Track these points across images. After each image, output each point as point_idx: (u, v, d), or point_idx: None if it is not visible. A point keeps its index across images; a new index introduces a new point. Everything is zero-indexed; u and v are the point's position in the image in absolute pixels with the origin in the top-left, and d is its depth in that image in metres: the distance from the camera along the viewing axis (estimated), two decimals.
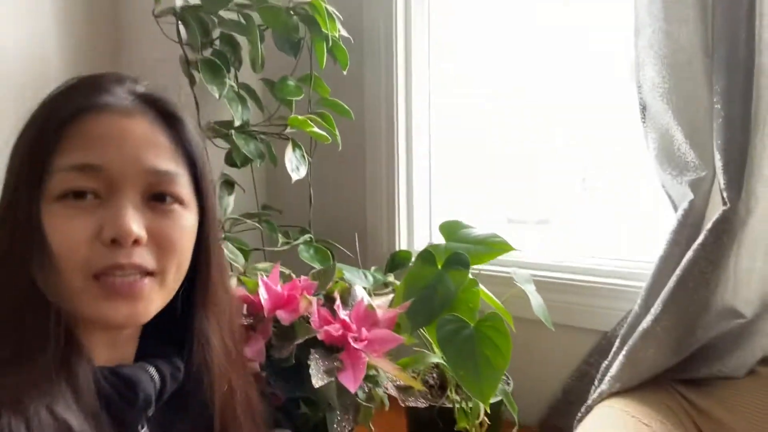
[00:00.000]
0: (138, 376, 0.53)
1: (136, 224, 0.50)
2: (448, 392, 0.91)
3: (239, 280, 0.84)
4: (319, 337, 0.77)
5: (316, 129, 1.04)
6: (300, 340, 0.74)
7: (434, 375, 1.01)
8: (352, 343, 0.75)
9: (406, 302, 0.84)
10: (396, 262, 1.29)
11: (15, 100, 1.24)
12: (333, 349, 0.78)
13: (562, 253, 1.16)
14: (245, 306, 0.83)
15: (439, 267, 0.90)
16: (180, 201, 0.55)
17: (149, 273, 0.52)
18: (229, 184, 1.15)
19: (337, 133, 1.19)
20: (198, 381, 0.59)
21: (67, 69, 1.32)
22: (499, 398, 0.94)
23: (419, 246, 1.35)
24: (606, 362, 0.97)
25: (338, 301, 0.81)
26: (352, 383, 0.71)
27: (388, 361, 0.77)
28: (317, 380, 0.70)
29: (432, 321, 0.84)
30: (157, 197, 0.53)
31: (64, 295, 0.49)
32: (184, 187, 0.55)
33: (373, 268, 1.24)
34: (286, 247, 1.17)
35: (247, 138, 1.06)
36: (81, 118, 0.52)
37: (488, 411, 0.75)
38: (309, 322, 0.78)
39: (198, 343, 0.59)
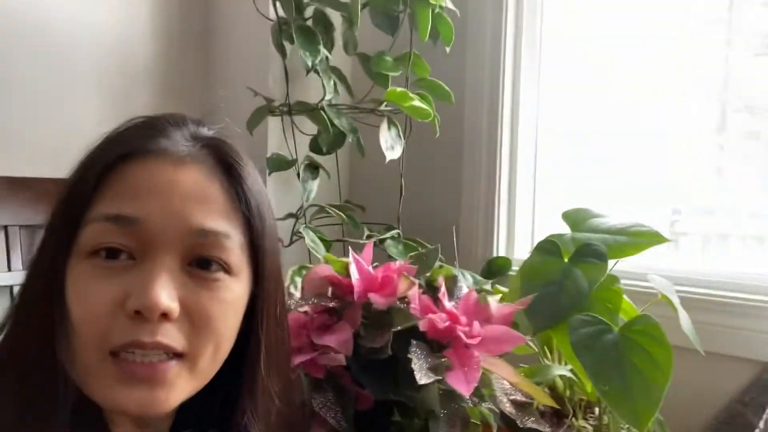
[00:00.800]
0: None
1: (166, 294, 0.42)
2: (573, 419, 0.72)
3: (325, 259, 0.70)
4: (421, 327, 0.61)
5: (416, 102, 0.91)
6: (398, 328, 0.59)
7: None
8: (464, 338, 0.59)
9: (524, 299, 0.68)
10: (493, 269, 1.12)
11: (104, 85, 1.21)
12: (435, 345, 0.63)
13: (707, 264, 0.95)
14: (330, 288, 0.70)
15: (566, 260, 0.73)
16: (227, 269, 0.46)
17: (177, 354, 0.43)
18: (313, 168, 1.04)
19: (436, 117, 1.06)
20: None
21: (157, 50, 1.28)
22: None
23: (520, 254, 1.18)
24: None
25: (443, 288, 0.65)
26: (464, 386, 0.55)
27: (509, 366, 0.60)
28: (422, 376, 0.54)
29: (559, 322, 0.67)
30: (201, 263, 0.45)
31: (79, 373, 0.42)
32: (234, 251, 0.46)
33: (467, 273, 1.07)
34: (371, 241, 1.03)
35: (338, 112, 0.94)
36: (127, 163, 0.45)
37: None
38: (408, 309, 0.63)
39: None
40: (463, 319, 0.63)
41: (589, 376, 0.59)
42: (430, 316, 0.61)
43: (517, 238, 1.18)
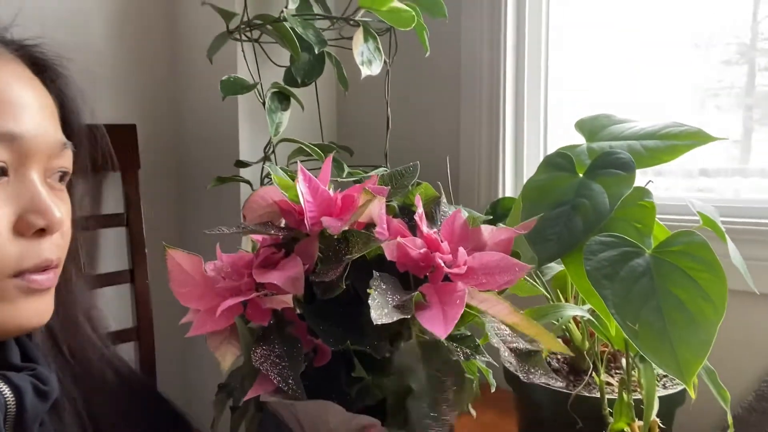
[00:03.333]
0: None
1: (56, 207, 0.43)
2: (593, 374, 0.57)
3: (276, 181, 0.56)
4: (388, 254, 0.47)
5: (396, 3, 0.75)
6: (356, 255, 0.45)
7: (560, 357, 0.67)
8: (445, 267, 0.45)
9: (527, 221, 0.52)
10: (499, 212, 0.97)
11: None
12: (411, 281, 0.48)
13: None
14: (282, 219, 0.55)
15: (580, 175, 0.57)
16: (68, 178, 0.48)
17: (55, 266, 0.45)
18: (283, 97, 0.89)
19: (426, 37, 0.90)
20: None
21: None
22: (675, 389, 0.59)
23: None
24: None
25: (420, 208, 0.50)
26: (440, 325, 0.41)
27: (506, 302, 0.45)
28: (380, 315, 0.39)
29: (572, 249, 0.52)
30: (58, 173, 0.46)
31: None
32: (70, 155, 0.47)
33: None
34: (353, 179, 0.89)
35: (304, 22, 0.79)
36: None
37: (692, 394, 0.41)
38: (372, 234, 0.48)
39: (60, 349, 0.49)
40: (445, 246, 0.48)
41: (612, 313, 0.44)
42: (399, 239, 0.46)
43: (527, 178, 1.02)
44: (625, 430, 0.53)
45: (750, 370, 0.75)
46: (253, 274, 0.50)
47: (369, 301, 0.41)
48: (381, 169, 0.93)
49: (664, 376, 0.62)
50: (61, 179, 0.46)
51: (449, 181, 0.93)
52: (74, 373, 0.48)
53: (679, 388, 0.59)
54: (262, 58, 0.96)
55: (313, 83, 0.96)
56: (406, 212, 0.54)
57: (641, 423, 0.53)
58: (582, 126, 0.63)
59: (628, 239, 0.48)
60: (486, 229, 0.51)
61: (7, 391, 0.39)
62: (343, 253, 0.47)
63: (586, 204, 0.54)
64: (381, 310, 0.40)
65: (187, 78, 1.08)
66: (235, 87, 0.80)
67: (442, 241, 0.48)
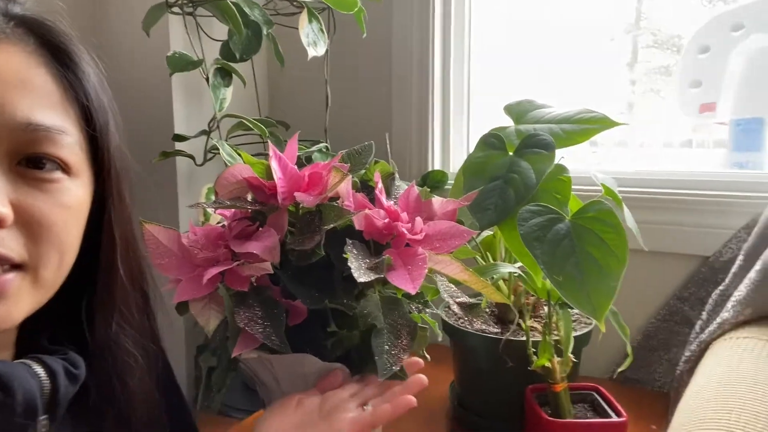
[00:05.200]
0: (13, 372, 0.40)
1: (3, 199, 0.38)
2: (520, 321, 0.68)
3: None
4: (357, 225, 0.53)
5: None
6: (331, 225, 0.51)
7: (488, 309, 0.78)
8: (408, 234, 0.52)
9: (468, 194, 0.61)
10: (429, 182, 1.06)
11: None
12: (374, 247, 0.55)
13: (647, 164, 0.93)
14: (249, 194, 0.60)
15: (510, 153, 0.67)
16: (66, 168, 0.42)
17: (16, 266, 0.40)
18: (225, 73, 0.91)
19: (363, 20, 0.95)
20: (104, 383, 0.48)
21: None
22: (584, 329, 0.72)
23: (457, 167, 1.12)
24: (719, 289, 0.75)
25: (380, 183, 0.58)
26: (409, 283, 0.48)
27: (454, 260, 0.54)
28: (361, 274, 0.46)
29: (506, 217, 0.61)
30: (32, 162, 0.40)
31: None
32: (72, 148, 0.42)
33: None
34: (295, 135, 0.94)
35: (251, 2, 0.82)
36: None
37: (602, 328, 0.52)
38: (341, 207, 0.55)
39: (101, 356, 0.47)
40: (404, 216, 0.55)
41: (542, 268, 0.54)
42: (367, 211, 0.53)
43: (453, 152, 1.12)
44: (546, 365, 0.64)
45: (640, 313, 0.91)
46: (230, 245, 0.54)
47: (348, 264, 0.48)
48: (321, 144, 0.99)
49: (574, 320, 0.74)
50: (46, 168, 0.40)
51: (389, 156, 1.01)
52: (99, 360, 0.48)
53: (587, 329, 0.71)
54: (195, 32, 0.97)
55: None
56: (365, 187, 0.61)
57: (560, 359, 0.64)
58: (510, 110, 0.72)
59: (552, 208, 0.58)
60: (436, 201, 0.59)
61: (42, 373, 0.41)
62: (317, 224, 0.53)
63: (516, 178, 0.63)
64: (360, 270, 0.47)
65: (115, 52, 1.06)
66: (182, 63, 0.82)
67: (401, 213, 0.56)
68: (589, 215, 0.57)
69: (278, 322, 0.52)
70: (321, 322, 0.55)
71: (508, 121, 0.72)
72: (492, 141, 0.68)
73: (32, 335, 0.45)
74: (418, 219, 0.55)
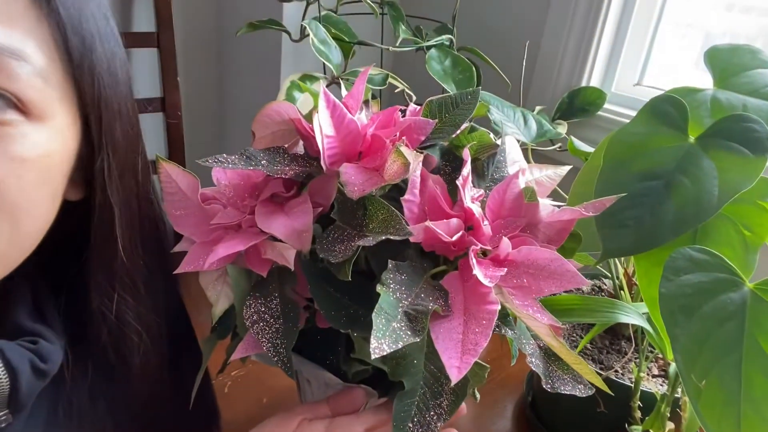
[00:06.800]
0: None
1: None
2: (630, 358, 0.50)
3: (298, 86, 0.44)
4: (414, 238, 0.37)
5: None
6: (368, 241, 0.35)
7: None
8: (477, 270, 0.35)
9: (602, 199, 0.40)
10: (576, 105, 0.82)
11: None
12: (433, 258, 0.40)
13: None
14: (300, 142, 0.45)
15: (692, 138, 0.43)
16: (21, 107, 0.31)
17: None
18: None
19: None
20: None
21: None
22: None
23: (622, 88, 0.85)
24: None
25: (467, 168, 0.39)
26: (455, 358, 0.33)
27: (546, 313, 0.36)
28: (380, 345, 0.32)
29: (650, 247, 0.41)
30: None
31: None
32: (31, 80, 0.31)
33: (537, 108, 0.78)
34: (408, 48, 0.74)
35: None
36: None
37: None
38: (399, 202, 0.38)
39: (96, 328, 0.40)
40: (486, 227, 0.38)
41: (677, 359, 0.35)
42: (429, 224, 0.36)
43: (622, 67, 0.83)
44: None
45: None
46: (256, 217, 0.41)
47: (373, 315, 0.33)
48: (445, 36, 0.77)
49: None
50: None
51: (524, 67, 0.77)
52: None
53: None
54: None
55: None
56: (450, 158, 0.43)
57: None
58: (714, 59, 0.46)
59: (727, 263, 0.36)
60: (545, 207, 0.40)
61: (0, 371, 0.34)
62: (358, 219, 0.38)
63: (686, 186, 0.41)
64: (384, 329, 0.32)
65: None
66: None
67: (484, 219, 0.38)
68: None
69: (291, 330, 0.40)
70: (346, 341, 0.42)
71: (706, 78, 0.47)
72: (666, 109, 0.44)
73: (11, 309, 0.38)
74: (506, 242, 0.37)
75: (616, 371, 0.52)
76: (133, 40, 0.98)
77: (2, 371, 0.35)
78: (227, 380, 0.68)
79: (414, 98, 0.73)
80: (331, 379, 0.43)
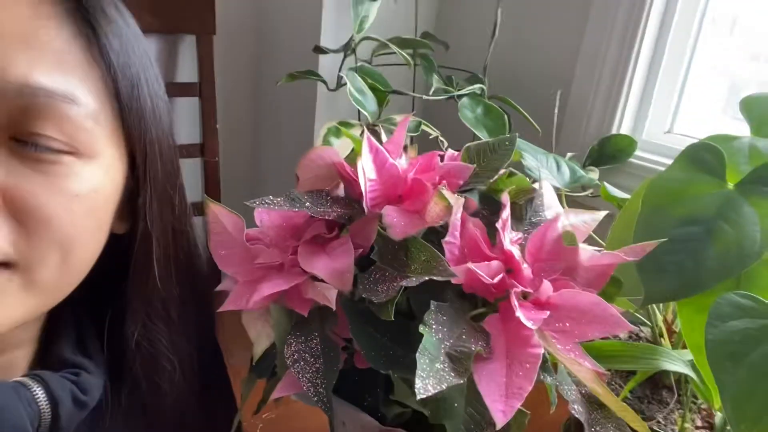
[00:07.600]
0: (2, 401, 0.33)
1: None
2: (673, 408, 0.49)
3: (334, 132, 0.46)
4: (456, 279, 0.38)
5: None
6: (412, 282, 0.36)
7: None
8: (519, 312, 0.35)
9: (643, 244, 0.41)
10: (606, 151, 0.83)
11: None
12: (472, 301, 0.40)
13: None
14: (342, 185, 0.47)
15: (731, 185, 0.43)
16: (72, 148, 0.33)
17: (2, 264, 0.32)
18: None
19: None
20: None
21: None
22: None
23: (652, 135, 0.85)
24: None
25: (506, 211, 0.40)
26: (500, 405, 0.33)
27: (587, 358, 0.36)
28: (426, 385, 0.32)
29: (693, 293, 0.41)
30: (29, 138, 0.31)
31: None
32: (82, 122, 0.33)
33: (568, 155, 0.79)
34: (441, 97, 0.76)
35: None
36: None
37: None
38: (441, 244, 0.39)
39: (131, 357, 0.41)
40: (526, 269, 0.38)
41: (725, 407, 0.34)
42: (471, 266, 0.36)
43: (653, 114, 0.84)
44: None
45: None
46: (299, 257, 0.42)
47: (417, 356, 0.33)
48: (477, 86, 0.79)
49: None
50: (46, 146, 0.32)
51: (555, 115, 0.79)
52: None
53: None
54: None
55: None
56: (488, 202, 0.44)
57: None
58: (750, 107, 0.47)
59: None
60: (585, 252, 0.40)
61: (42, 399, 0.35)
62: (400, 260, 0.39)
63: (728, 232, 0.41)
64: (428, 370, 0.33)
65: None
66: None
67: (524, 262, 0.39)
68: None
69: (331, 371, 0.40)
70: (385, 382, 0.42)
71: (735, 125, 0.47)
72: (704, 158, 0.45)
73: (55, 341, 0.40)
74: (546, 284, 0.37)
75: (659, 422, 0.51)
76: (176, 89, 1.03)
77: (45, 402, 0.36)
78: (259, 422, 0.68)
79: (446, 144, 0.75)
80: (369, 422, 0.43)
